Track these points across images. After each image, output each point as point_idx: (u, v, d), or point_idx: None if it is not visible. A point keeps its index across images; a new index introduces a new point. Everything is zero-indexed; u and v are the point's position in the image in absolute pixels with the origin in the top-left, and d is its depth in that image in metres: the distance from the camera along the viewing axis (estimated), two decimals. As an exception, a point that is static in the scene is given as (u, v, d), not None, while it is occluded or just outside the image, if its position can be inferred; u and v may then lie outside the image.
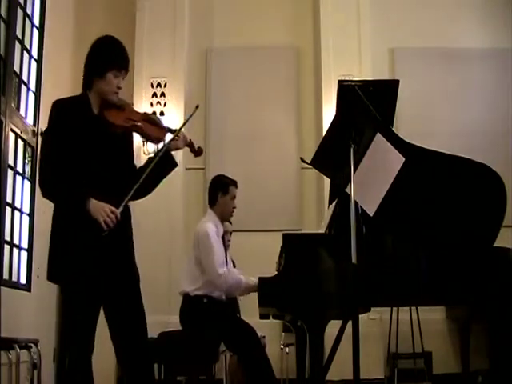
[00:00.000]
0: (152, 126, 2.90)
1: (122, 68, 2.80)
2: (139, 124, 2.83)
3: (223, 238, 4.30)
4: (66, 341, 2.73)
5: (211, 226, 4.17)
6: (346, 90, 3.17)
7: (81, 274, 2.67)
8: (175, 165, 2.97)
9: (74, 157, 2.69)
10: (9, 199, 4.56)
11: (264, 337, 4.57)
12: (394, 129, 3.33)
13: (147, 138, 2.97)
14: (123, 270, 2.78)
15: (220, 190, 4.26)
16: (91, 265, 2.68)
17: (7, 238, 4.51)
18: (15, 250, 4.73)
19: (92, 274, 2.68)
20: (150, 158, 2.98)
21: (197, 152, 3.07)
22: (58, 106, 2.77)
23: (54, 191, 2.72)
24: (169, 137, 2.98)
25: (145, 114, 2.97)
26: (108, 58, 2.79)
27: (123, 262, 2.79)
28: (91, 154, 2.72)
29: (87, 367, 2.70)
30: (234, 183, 4.31)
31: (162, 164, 2.92)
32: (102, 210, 2.63)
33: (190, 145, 3.03)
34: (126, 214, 2.82)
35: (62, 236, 2.74)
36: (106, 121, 2.77)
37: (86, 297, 2.68)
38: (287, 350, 5.56)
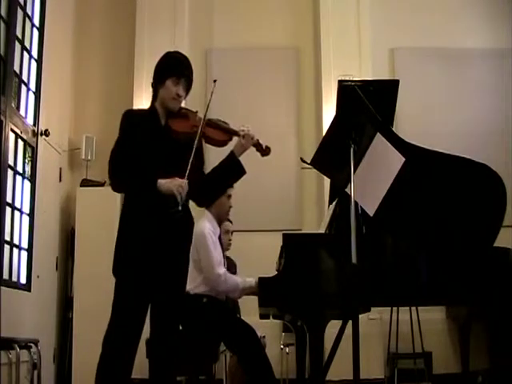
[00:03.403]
0: (216, 131, 2.96)
1: (182, 76, 2.94)
2: (203, 130, 2.89)
3: (220, 238, 4.31)
4: (109, 330, 2.78)
5: (208, 226, 4.18)
6: (346, 90, 3.17)
7: (138, 269, 2.79)
8: (243, 172, 3.03)
9: (144, 165, 2.81)
10: (9, 199, 4.56)
11: (264, 337, 4.57)
12: (393, 129, 3.34)
13: (212, 142, 3.00)
14: (177, 272, 2.92)
15: None
16: (149, 266, 2.79)
17: (7, 238, 4.51)
18: (15, 250, 4.73)
19: (148, 270, 2.79)
20: (218, 165, 3.05)
21: (264, 151, 3.10)
22: (128, 116, 2.91)
23: (124, 181, 2.84)
24: (235, 140, 3.01)
25: (208, 119, 2.98)
26: (167, 65, 2.95)
27: (179, 265, 2.93)
28: (159, 163, 2.83)
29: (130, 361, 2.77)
30: None
31: (229, 170, 3.01)
32: (171, 184, 2.75)
33: (257, 144, 3.05)
34: (189, 219, 2.98)
35: (127, 233, 2.84)
36: (171, 130, 2.87)
37: (139, 291, 2.78)
38: (287, 349, 5.56)
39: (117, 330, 2.76)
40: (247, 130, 3.03)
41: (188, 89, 3.00)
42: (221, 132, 2.98)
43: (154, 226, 2.80)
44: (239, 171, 3.03)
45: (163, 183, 2.75)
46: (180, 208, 2.74)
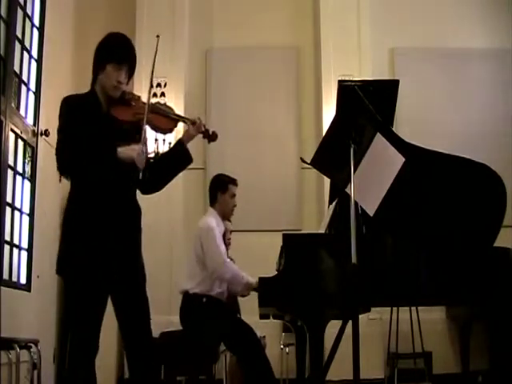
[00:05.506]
0: (161, 117, 2.87)
1: (123, 61, 2.78)
2: (147, 117, 2.80)
3: (223, 236, 4.32)
4: (69, 342, 2.71)
5: (213, 221, 4.20)
6: (346, 90, 3.18)
7: (88, 267, 2.66)
8: (190, 160, 2.92)
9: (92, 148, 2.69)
10: (9, 199, 4.56)
11: (264, 337, 4.57)
12: (393, 129, 3.34)
13: (156, 129, 2.94)
14: (131, 263, 2.77)
15: (219, 188, 4.29)
16: (99, 257, 2.67)
17: (7, 238, 4.51)
18: (15, 250, 4.72)
19: (99, 267, 2.67)
20: (165, 152, 2.99)
21: (211, 137, 2.98)
22: (69, 103, 2.76)
23: (77, 163, 2.68)
24: (182, 126, 2.95)
25: (153, 105, 2.91)
26: (108, 50, 2.79)
27: (131, 255, 2.78)
28: (103, 150, 2.70)
29: (90, 370, 2.68)
30: (233, 181, 4.33)
31: (176, 158, 2.90)
32: (132, 151, 2.65)
33: (204, 131, 2.95)
34: (136, 208, 2.83)
35: (73, 230, 2.72)
36: (114, 119, 2.77)
37: (92, 291, 2.67)
38: (287, 349, 5.56)
39: (79, 338, 2.67)
40: (197, 117, 2.94)
41: (130, 74, 2.86)
42: (166, 119, 2.89)
43: (100, 219, 2.67)
44: (187, 159, 2.92)
45: (122, 150, 2.66)
46: (141, 177, 2.68)
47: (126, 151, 2.67)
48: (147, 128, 2.83)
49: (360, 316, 3.16)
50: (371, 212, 3.05)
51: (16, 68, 4.76)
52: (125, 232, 2.75)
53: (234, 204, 4.34)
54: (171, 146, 2.99)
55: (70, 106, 2.75)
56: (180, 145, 2.92)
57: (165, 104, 3.07)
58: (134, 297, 2.76)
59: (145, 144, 2.76)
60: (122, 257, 2.73)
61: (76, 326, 2.69)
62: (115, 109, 2.80)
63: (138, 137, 2.72)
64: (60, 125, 2.75)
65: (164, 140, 5.77)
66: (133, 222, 2.81)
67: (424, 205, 3.29)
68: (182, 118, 2.96)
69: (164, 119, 2.89)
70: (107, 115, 2.78)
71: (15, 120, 4.65)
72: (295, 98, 6.60)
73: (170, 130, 2.96)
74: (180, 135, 3.00)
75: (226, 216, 4.37)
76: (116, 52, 2.78)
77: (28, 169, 5.03)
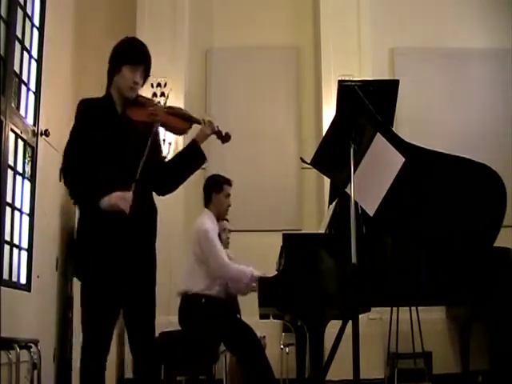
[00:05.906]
0: (175, 119, 2.93)
1: (138, 62, 2.83)
2: (161, 118, 2.85)
3: (219, 235, 4.33)
4: (83, 343, 2.72)
5: (209, 222, 4.21)
6: (346, 90, 3.18)
7: (106, 271, 2.69)
8: (204, 159, 2.97)
9: (100, 156, 2.73)
10: (9, 199, 4.56)
11: (264, 337, 4.57)
12: (393, 129, 3.34)
13: (171, 130, 2.99)
14: (144, 265, 2.82)
15: (214, 189, 4.31)
16: (116, 262, 2.70)
17: (7, 238, 4.50)
18: (15, 250, 4.72)
19: (115, 270, 2.70)
20: (179, 152, 3.04)
21: (224, 138, 3.05)
22: (84, 105, 2.83)
23: (73, 192, 2.77)
24: (195, 127, 2.98)
25: (168, 107, 2.97)
26: (123, 52, 2.85)
27: (145, 257, 2.83)
28: (118, 152, 2.75)
29: (102, 373, 2.70)
30: (228, 181, 4.35)
31: (190, 157, 2.95)
32: (113, 200, 2.65)
33: (218, 132, 3.01)
34: (152, 208, 2.89)
35: (89, 233, 2.76)
36: (129, 119, 2.80)
37: (109, 295, 2.69)
38: (287, 349, 5.56)
39: (92, 342, 2.70)
40: (208, 117, 3.01)
41: (146, 75, 2.89)
42: (180, 120, 2.94)
43: (117, 220, 2.69)
44: (200, 159, 2.97)
45: (105, 204, 2.67)
46: (126, 217, 2.68)
47: (108, 202, 2.67)
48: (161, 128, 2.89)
49: (360, 316, 3.16)
50: (371, 212, 3.05)
51: (16, 68, 4.76)
52: (141, 232, 2.80)
53: (229, 204, 4.36)
54: (185, 145, 3.04)
55: (85, 110, 2.82)
56: (194, 144, 2.97)
57: (179, 107, 3.11)
58: (144, 298, 2.81)
59: (145, 164, 2.74)
60: (137, 258, 2.77)
61: (90, 329, 2.71)
62: (130, 110, 2.84)
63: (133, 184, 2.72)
64: (73, 127, 2.82)
65: (164, 140, 5.76)
66: (149, 222, 2.87)
67: (424, 205, 3.29)
68: (197, 119, 3.00)
69: (179, 120, 2.94)
70: (122, 116, 2.83)
71: (15, 120, 4.64)
72: (295, 98, 6.61)
73: (185, 131, 3.01)
74: (181, 138, 3.03)
75: (220, 216, 4.39)
76: (131, 54, 2.84)
77: (28, 169, 5.03)
